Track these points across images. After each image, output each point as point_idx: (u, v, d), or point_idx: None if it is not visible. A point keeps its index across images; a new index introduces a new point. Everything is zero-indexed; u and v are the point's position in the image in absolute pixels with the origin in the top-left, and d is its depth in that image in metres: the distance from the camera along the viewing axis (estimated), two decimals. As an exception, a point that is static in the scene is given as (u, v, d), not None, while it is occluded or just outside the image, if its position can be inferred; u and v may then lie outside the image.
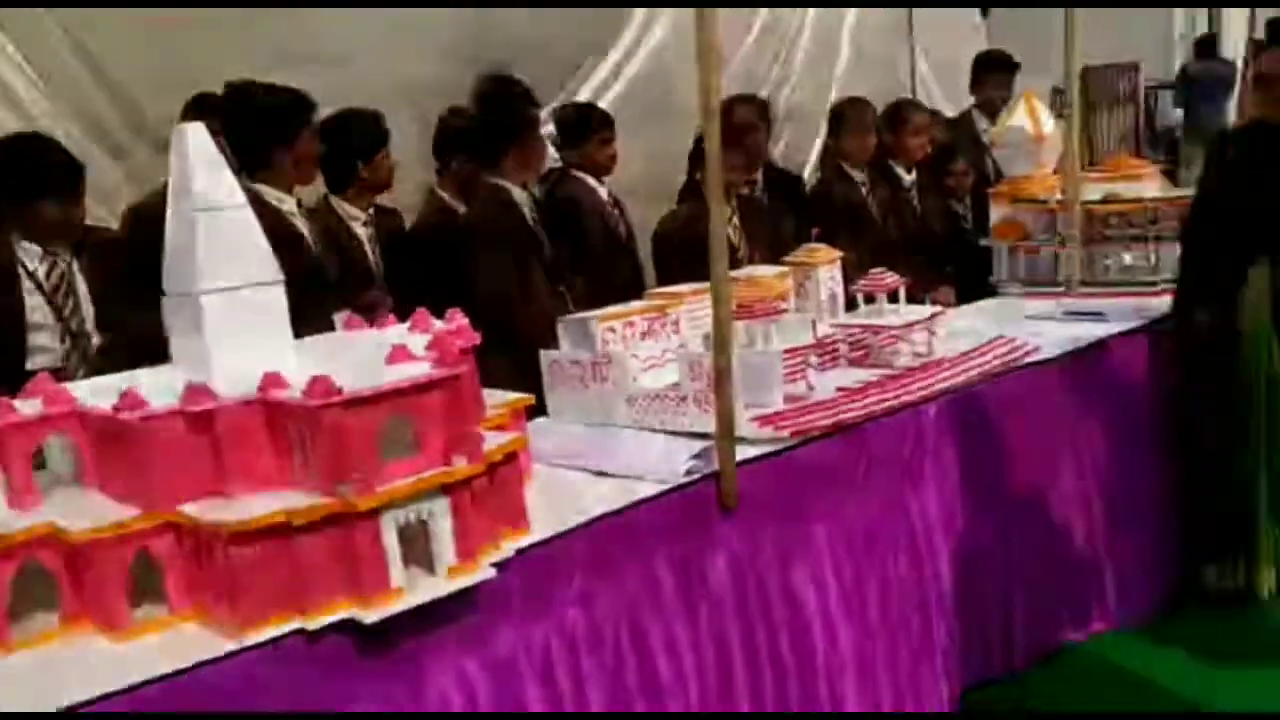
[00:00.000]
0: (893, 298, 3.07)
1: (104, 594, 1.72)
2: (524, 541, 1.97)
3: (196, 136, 1.94)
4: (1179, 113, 13.05)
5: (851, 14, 5.08)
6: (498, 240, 3.31)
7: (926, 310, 3.08)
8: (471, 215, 3.47)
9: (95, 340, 2.98)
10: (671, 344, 2.98)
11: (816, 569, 2.46)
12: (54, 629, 1.76)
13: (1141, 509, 3.35)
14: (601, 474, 2.35)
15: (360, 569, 1.71)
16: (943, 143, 4.66)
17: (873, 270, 3.12)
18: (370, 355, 1.91)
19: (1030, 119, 4.18)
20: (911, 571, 2.67)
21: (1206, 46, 12.58)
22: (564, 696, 1.98)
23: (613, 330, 2.83)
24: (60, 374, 2.57)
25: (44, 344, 2.91)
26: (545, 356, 2.82)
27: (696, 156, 3.70)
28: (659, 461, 2.31)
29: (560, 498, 2.22)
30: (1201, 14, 19.31)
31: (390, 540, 1.73)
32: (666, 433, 2.56)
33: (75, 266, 2.97)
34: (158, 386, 1.81)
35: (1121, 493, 3.28)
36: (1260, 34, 6.91)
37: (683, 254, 3.62)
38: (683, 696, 2.18)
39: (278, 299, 1.98)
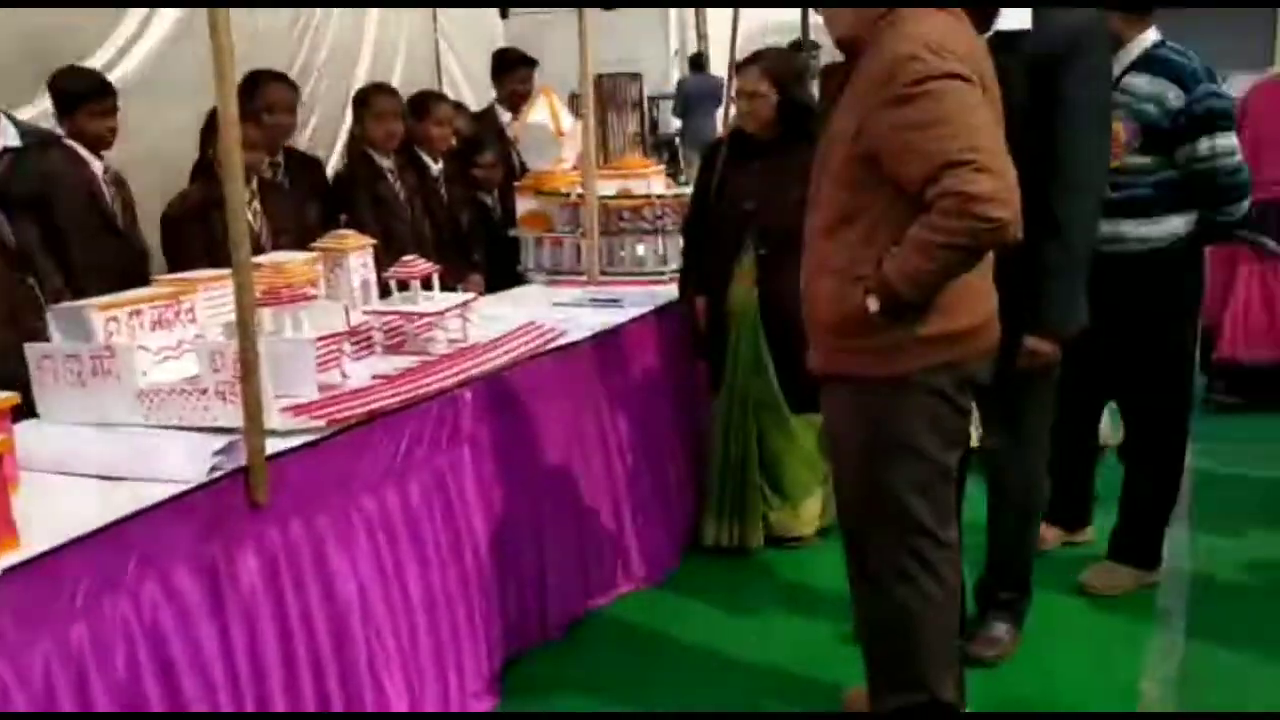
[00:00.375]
0: (426, 284, 3.07)
1: None
2: (13, 559, 1.71)
3: None
4: (677, 121, 14.43)
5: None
6: None
7: (460, 297, 3.12)
8: None
9: None
10: (188, 334, 2.75)
11: (354, 559, 2.40)
12: None
13: (659, 477, 3.66)
14: (111, 479, 2.12)
15: None
16: (469, 135, 4.74)
17: (405, 258, 3.10)
18: None
19: (551, 116, 4.38)
20: (451, 553, 2.70)
21: (698, 63, 14.00)
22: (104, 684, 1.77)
23: (116, 320, 2.55)
24: None
25: None
26: (32, 350, 2.48)
27: (209, 133, 3.44)
28: (180, 460, 2.12)
29: (57, 508, 1.97)
30: (691, 32, 21.52)
31: None
32: (185, 429, 2.36)
33: None
34: None
35: (641, 464, 3.56)
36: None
37: (195, 237, 3.38)
38: (212, 709, 2.02)
39: None
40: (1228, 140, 3.14)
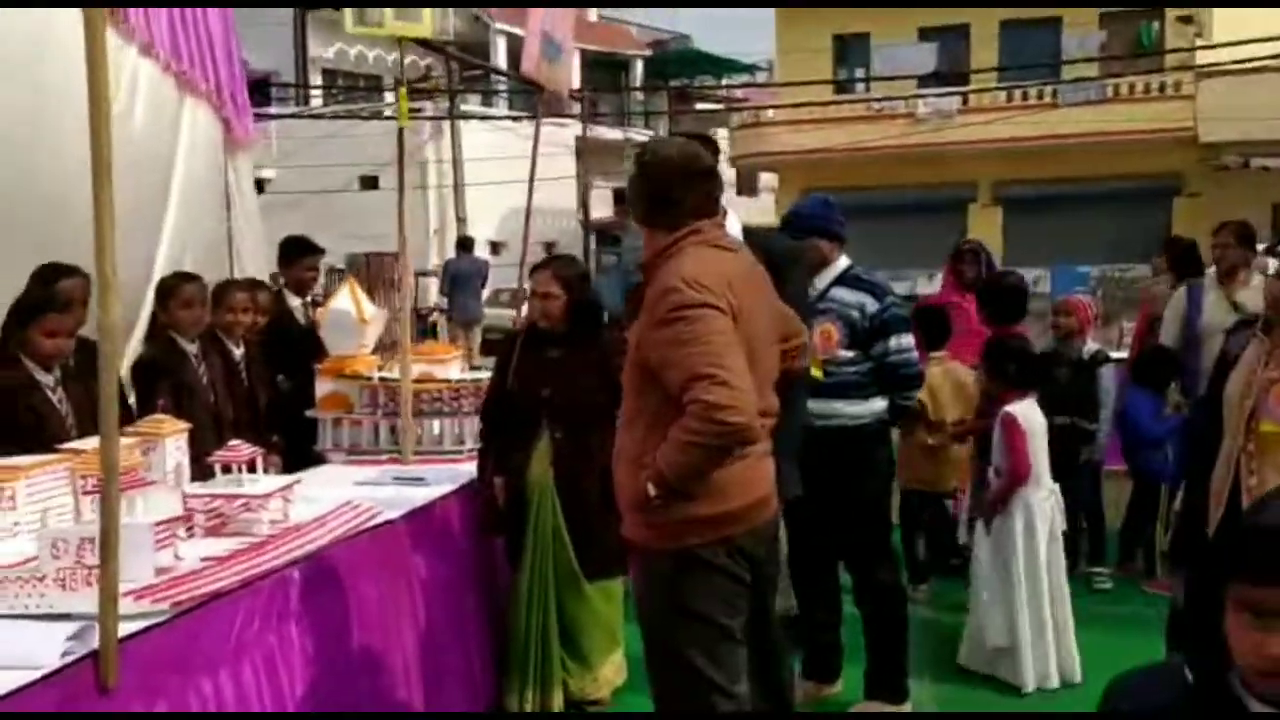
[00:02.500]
0: (248, 467, 3.20)
1: None
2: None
3: None
4: (443, 299, 14.83)
5: (175, 191, 5.13)
6: None
7: (283, 479, 3.26)
8: None
9: None
10: (6, 520, 2.77)
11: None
12: None
13: (465, 647, 3.82)
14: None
15: None
16: (274, 314, 4.89)
17: (232, 442, 3.23)
18: None
19: (354, 303, 4.63)
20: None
21: (465, 245, 14.54)
22: None
23: (-61, 508, 2.56)
24: None
25: None
26: None
27: (12, 319, 3.47)
28: (32, 647, 2.17)
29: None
30: (451, 214, 22.30)
31: None
32: (15, 617, 2.38)
33: None
34: None
35: (448, 635, 3.72)
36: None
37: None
38: None
39: None
40: (907, 339, 3.97)
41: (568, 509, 3.88)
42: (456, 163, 22.62)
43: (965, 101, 22.14)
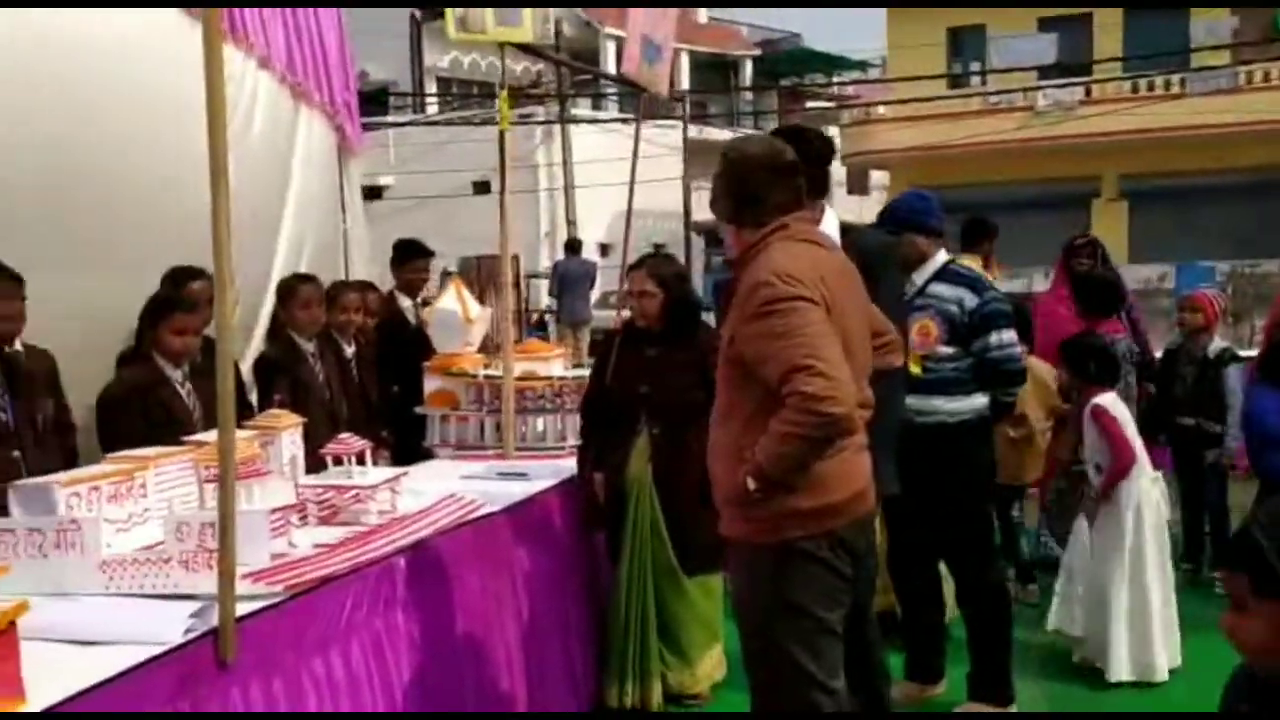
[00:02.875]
0: (358, 459, 3.34)
1: None
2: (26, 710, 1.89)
3: None
4: (552, 300, 15.06)
5: (292, 199, 5.36)
6: None
7: (390, 471, 3.40)
8: None
9: None
10: (138, 508, 2.95)
11: (317, 709, 2.59)
12: None
13: (564, 641, 3.91)
14: (88, 643, 2.29)
15: None
16: (385, 317, 5.09)
17: (341, 435, 3.38)
18: None
19: (460, 302, 4.78)
20: (385, 700, 2.90)
21: (574, 247, 14.73)
22: None
23: (78, 496, 2.75)
24: None
25: None
26: (-9, 526, 2.65)
27: (147, 320, 3.69)
28: (158, 624, 2.32)
29: (47, 669, 2.13)
30: (561, 217, 22.61)
31: (-112, 721, 1.61)
32: (144, 596, 2.55)
33: None
34: None
35: (549, 629, 3.81)
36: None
37: (133, 419, 3.57)
38: None
39: None
40: (1010, 335, 3.87)
41: (666, 504, 3.93)
42: (566, 165, 22.91)
43: (1088, 93, 21.46)
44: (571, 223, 22.41)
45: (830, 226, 3.26)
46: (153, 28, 4.48)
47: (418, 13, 25.82)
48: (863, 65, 32.72)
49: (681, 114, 15.66)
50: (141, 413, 3.52)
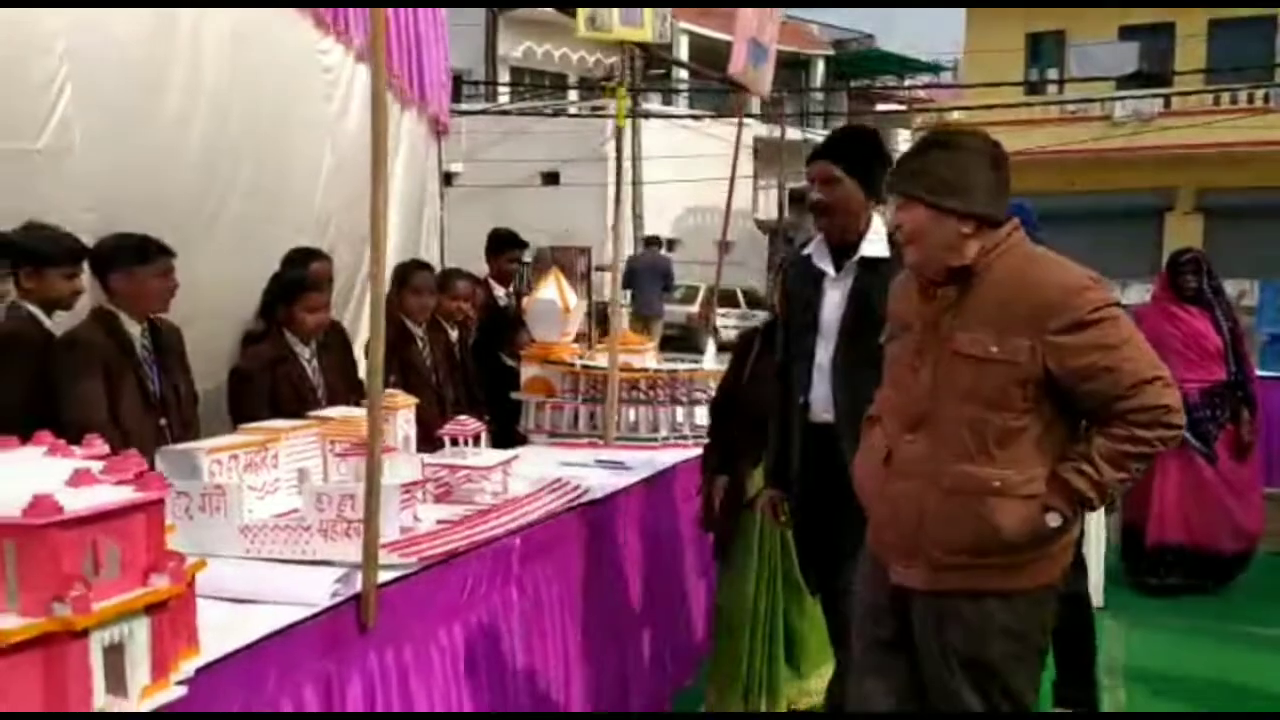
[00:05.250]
0: (474, 441, 3.46)
1: None
2: (199, 662, 2.02)
3: None
4: (624, 293, 15.16)
5: (398, 181, 5.51)
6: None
7: (503, 454, 3.51)
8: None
9: None
10: (270, 477, 3.10)
11: (430, 681, 2.71)
12: None
13: (656, 626, 4.01)
14: (240, 601, 2.43)
15: (67, 689, 1.69)
16: (504, 310, 5.24)
17: (459, 417, 3.50)
18: (29, 474, 1.90)
19: (559, 293, 4.89)
20: (497, 681, 3.02)
21: (654, 242, 14.81)
22: None
23: (219, 463, 2.89)
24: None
25: None
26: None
27: (277, 295, 3.85)
28: (301, 588, 2.45)
29: (207, 625, 2.26)
30: (628, 212, 22.71)
31: (97, 659, 1.74)
32: (281, 561, 2.69)
33: None
34: None
35: (643, 611, 3.91)
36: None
37: (262, 389, 3.73)
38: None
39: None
40: None
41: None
42: (636, 159, 23.02)
43: (1167, 104, 21.11)
44: (639, 217, 22.53)
45: (879, 234, 3.13)
46: (266, 28, 4.67)
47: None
48: (935, 68, 32.43)
49: (759, 112, 15.64)
50: (271, 387, 3.68)
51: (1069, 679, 3.98)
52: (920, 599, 2.48)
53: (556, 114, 23.32)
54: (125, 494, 1.85)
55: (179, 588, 1.88)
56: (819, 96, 31.49)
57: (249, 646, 2.18)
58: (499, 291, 5.91)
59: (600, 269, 19.22)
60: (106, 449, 2.19)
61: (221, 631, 2.20)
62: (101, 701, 1.74)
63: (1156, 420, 2.30)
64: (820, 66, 32.42)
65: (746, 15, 4.99)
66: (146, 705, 1.82)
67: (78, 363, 3.17)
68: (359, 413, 3.45)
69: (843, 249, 3.15)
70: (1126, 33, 21.74)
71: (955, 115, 23.39)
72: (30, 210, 3.45)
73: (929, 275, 2.48)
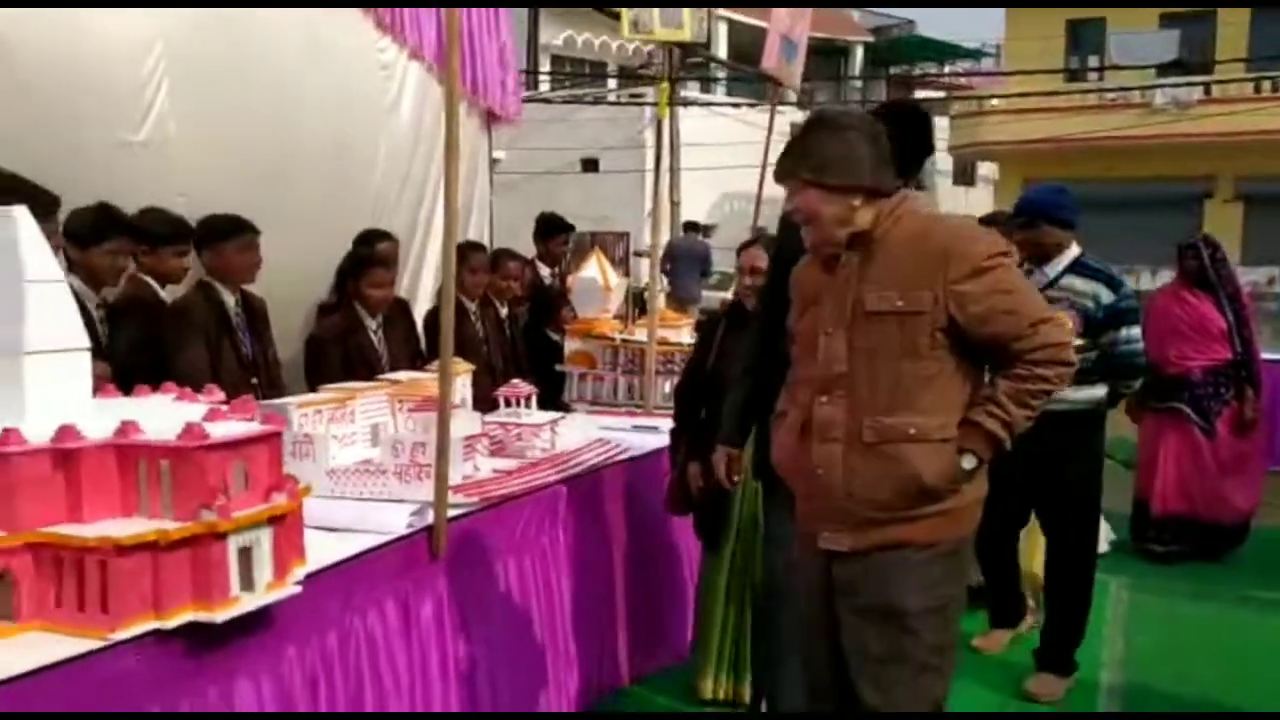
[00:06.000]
0: (526, 402, 3.87)
1: (-36, 606, 1.95)
2: (307, 570, 2.44)
3: (26, 221, 2.27)
4: (662, 277, 15.47)
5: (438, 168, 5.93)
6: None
7: (552, 414, 3.92)
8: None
9: None
10: (348, 430, 3.52)
11: (490, 605, 3.12)
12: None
13: (676, 573, 4.39)
14: (330, 529, 2.84)
15: (210, 581, 2.11)
16: (549, 289, 5.66)
17: (512, 381, 3.91)
18: (168, 413, 2.32)
19: (600, 272, 5.28)
20: (549, 611, 3.44)
21: (694, 227, 15.09)
22: (336, 686, 2.49)
23: (307, 416, 3.31)
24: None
25: None
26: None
27: (348, 270, 4.28)
28: (389, 518, 2.87)
29: (308, 545, 2.69)
30: (665, 198, 22.99)
31: (233, 558, 2.16)
32: (361, 500, 3.11)
33: None
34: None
35: (669, 563, 4.31)
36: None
37: (336, 356, 4.16)
38: (395, 696, 2.73)
39: (84, 362, 2.33)
40: (1137, 331, 4.12)
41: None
42: (673, 148, 23.32)
43: (1207, 92, 21.10)
44: (676, 204, 22.85)
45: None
46: (333, 27, 5.09)
47: (528, -12, 26.46)
48: (976, 55, 32.41)
49: (795, 100, 15.87)
50: (342, 353, 4.10)
51: (1051, 645, 4.20)
52: (842, 563, 2.50)
53: (596, 101, 23.66)
54: (253, 427, 2.27)
55: (294, 504, 2.30)
56: (858, 83, 31.57)
57: (345, 561, 2.60)
58: (545, 272, 6.32)
59: (639, 254, 19.62)
60: (223, 396, 2.62)
61: (318, 551, 2.61)
62: (235, 592, 2.16)
63: (1053, 359, 2.41)
64: (859, 53, 32.51)
65: (779, 13, 5.34)
66: (270, 598, 2.24)
67: (185, 329, 3.62)
68: (423, 376, 3.88)
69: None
70: (1167, 21, 21.73)
71: (994, 102, 23.50)
72: (134, 195, 3.89)
73: (830, 250, 2.53)
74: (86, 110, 3.90)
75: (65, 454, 2.07)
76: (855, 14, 34.36)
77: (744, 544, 3.79)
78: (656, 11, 4.29)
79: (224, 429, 2.21)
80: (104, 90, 3.96)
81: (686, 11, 4.38)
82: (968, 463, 2.42)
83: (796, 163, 2.52)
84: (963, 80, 31.35)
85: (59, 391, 2.25)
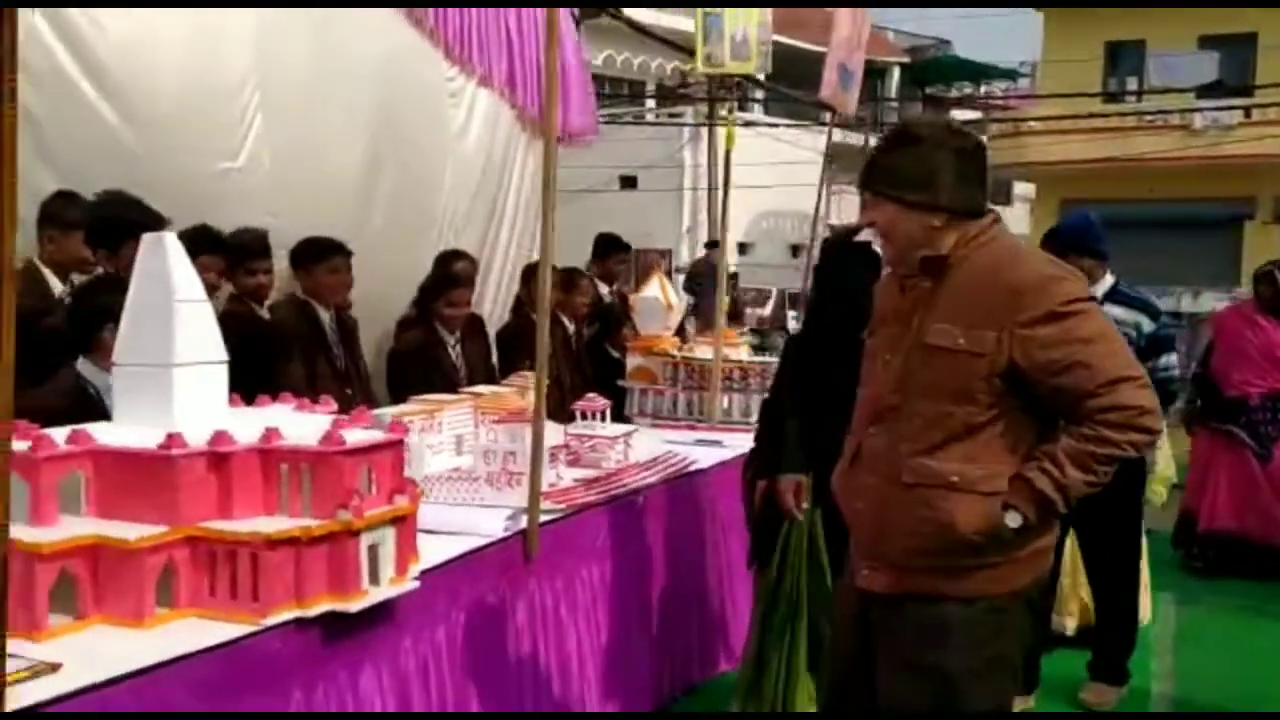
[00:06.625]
0: (601, 416, 4.07)
1: (132, 593, 2.16)
2: (421, 567, 2.65)
3: (175, 245, 2.50)
4: (687, 297, 15.60)
5: (510, 191, 6.17)
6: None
7: (626, 427, 4.12)
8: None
9: None
10: (437, 440, 3.73)
11: (575, 604, 3.32)
12: (69, 625, 2.15)
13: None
14: (429, 532, 3.05)
15: (345, 574, 2.32)
16: (611, 307, 5.88)
17: (588, 395, 4.12)
18: (297, 421, 2.54)
19: (662, 291, 5.49)
20: (627, 613, 3.62)
21: (713, 245, 15.22)
22: (444, 677, 2.71)
23: (401, 425, 3.52)
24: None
25: None
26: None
27: (428, 292, 4.51)
28: (480, 522, 3.08)
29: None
30: (703, 215, 23.25)
31: (364, 554, 2.37)
32: (455, 505, 3.31)
33: None
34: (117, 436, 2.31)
35: (739, 572, 4.48)
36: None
37: (416, 370, 4.39)
38: (493, 687, 2.92)
39: (223, 374, 2.55)
40: (1174, 358, 4.28)
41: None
42: (713, 165, 23.58)
43: (1248, 114, 21.06)
44: (717, 223, 23.05)
45: None
46: (406, 58, 5.33)
47: (575, 11, 26.86)
48: (1012, 75, 32.46)
49: (835, 121, 16.02)
50: (421, 368, 4.33)
51: (1103, 654, 4.30)
52: (879, 606, 2.37)
53: (636, 120, 23.98)
54: (379, 434, 2.48)
55: (413, 506, 2.51)
56: (894, 104, 31.68)
57: (452, 560, 2.81)
58: (603, 289, 6.54)
59: (679, 270, 19.82)
60: (336, 406, 2.84)
61: (425, 551, 2.82)
62: (365, 585, 2.37)
63: (1129, 422, 2.18)
64: (896, 73, 32.64)
65: (838, 42, 5.54)
66: (393, 592, 2.45)
67: (284, 344, 3.86)
68: (503, 390, 4.09)
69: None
70: (1206, 42, 21.73)
71: (1031, 124, 23.56)
72: (231, 216, 4.14)
73: (904, 270, 2.41)
74: (190, 141, 4.16)
75: (219, 457, 2.28)
76: (891, 34, 34.51)
77: (793, 571, 3.54)
78: (727, 45, 4.51)
79: (355, 436, 2.43)
80: (206, 122, 4.23)
81: (755, 43, 4.60)
82: (1012, 520, 2.21)
83: (875, 175, 2.39)
84: (999, 100, 31.39)
85: (202, 400, 2.48)
